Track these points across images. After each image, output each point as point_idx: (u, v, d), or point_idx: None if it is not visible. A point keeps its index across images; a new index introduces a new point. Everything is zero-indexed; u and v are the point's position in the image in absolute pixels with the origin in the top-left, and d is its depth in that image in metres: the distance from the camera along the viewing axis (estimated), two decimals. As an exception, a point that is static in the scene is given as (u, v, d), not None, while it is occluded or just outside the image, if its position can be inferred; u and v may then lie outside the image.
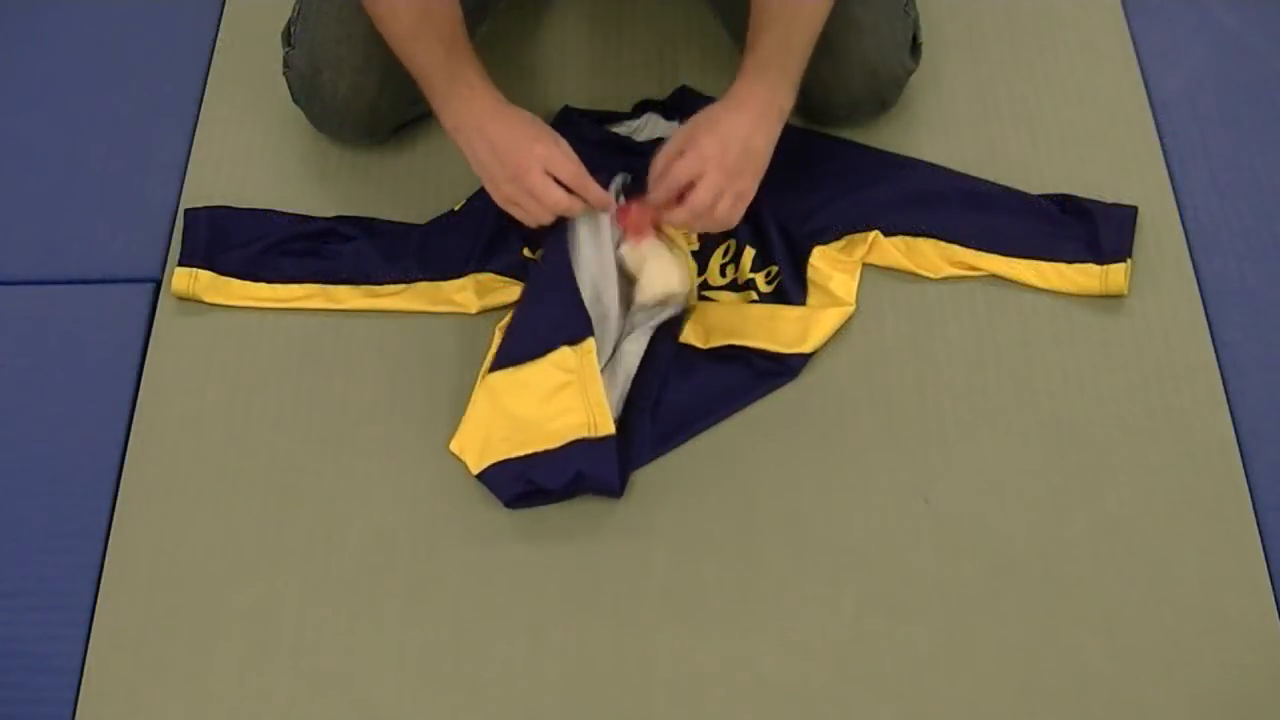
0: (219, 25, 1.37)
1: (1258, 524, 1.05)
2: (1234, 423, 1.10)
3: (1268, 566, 1.04)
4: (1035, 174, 1.23)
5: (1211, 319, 1.15)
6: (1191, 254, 1.19)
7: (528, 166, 1.06)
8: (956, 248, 1.17)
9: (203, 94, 1.32)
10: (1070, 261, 1.16)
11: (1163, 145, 1.26)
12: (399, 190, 1.25)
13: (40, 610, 1.04)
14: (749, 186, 1.07)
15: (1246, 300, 1.17)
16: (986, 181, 1.21)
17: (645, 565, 1.05)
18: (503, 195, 1.09)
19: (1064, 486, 1.08)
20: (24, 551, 1.07)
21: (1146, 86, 1.30)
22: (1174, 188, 1.23)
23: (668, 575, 1.04)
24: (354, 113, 1.20)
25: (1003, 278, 1.16)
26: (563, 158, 1.07)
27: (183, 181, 1.26)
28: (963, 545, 1.05)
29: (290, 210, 1.23)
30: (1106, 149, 1.25)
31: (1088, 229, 1.17)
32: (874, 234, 1.17)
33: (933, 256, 1.17)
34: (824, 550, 1.05)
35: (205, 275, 1.17)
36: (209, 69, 1.34)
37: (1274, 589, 1.03)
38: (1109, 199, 1.19)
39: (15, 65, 1.36)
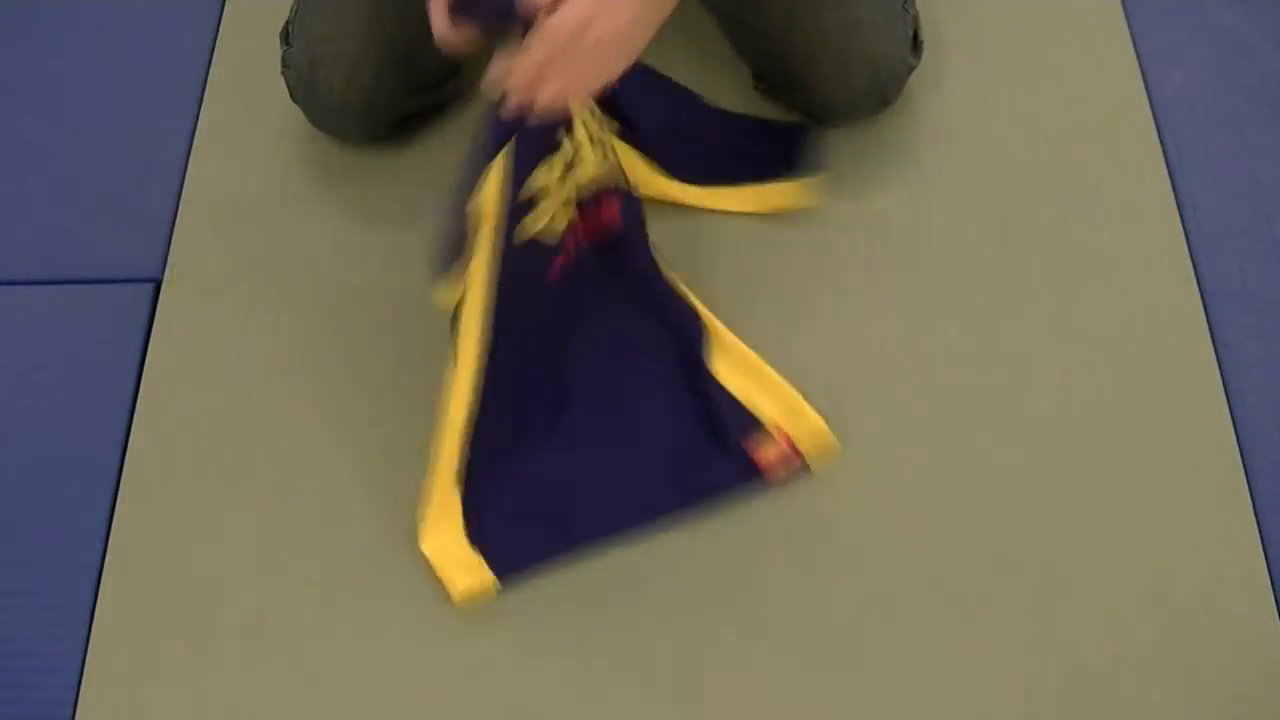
0: (219, 25, 1.38)
1: (1258, 524, 1.05)
2: (1234, 423, 1.10)
3: (1268, 566, 1.04)
4: (1035, 174, 1.23)
5: (1211, 319, 1.15)
6: (1191, 254, 1.19)
7: None
8: (661, 179, 1.20)
9: (203, 94, 1.32)
10: (766, 181, 1.20)
11: (1163, 145, 1.26)
12: (400, 190, 1.25)
13: (40, 610, 1.04)
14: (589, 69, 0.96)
15: (1246, 300, 1.17)
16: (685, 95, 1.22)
17: (645, 565, 1.05)
18: None
19: (1064, 486, 1.08)
20: (24, 551, 1.07)
21: (1146, 86, 1.30)
22: (1174, 188, 1.23)
23: (668, 575, 1.05)
24: (351, 108, 1.20)
25: (712, 210, 1.20)
26: None
27: (183, 181, 1.26)
28: (963, 545, 1.05)
29: (290, 209, 1.23)
30: (1106, 149, 1.26)
31: (776, 146, 1.22)
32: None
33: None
34: (824, 550, 1.05)
35: None
36: (209, 69, 1.34)
37: (1274, 589, 1.03)
38: (1109, 199, 1.20)
39: (15, 65, 1.36)
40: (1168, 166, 1.24)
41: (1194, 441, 1.09)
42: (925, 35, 1.24)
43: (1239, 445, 1.09)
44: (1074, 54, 1.33)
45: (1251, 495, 1.07)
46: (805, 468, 1.08)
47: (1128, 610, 1.02)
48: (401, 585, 1.04)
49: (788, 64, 1.19)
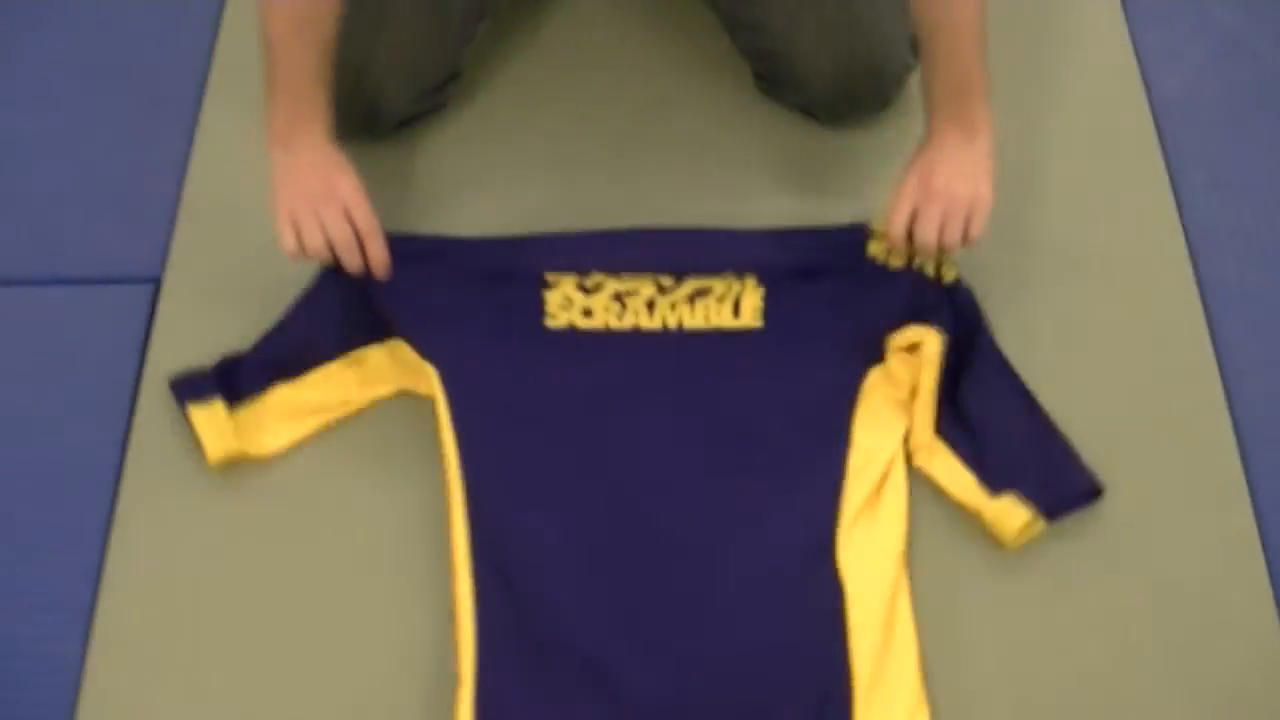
0: (219, 25, 1.38)
1: (1258, 524, 1.05)
2: (1234, 423, 1.10)
3: (1268, 566, 1.04)
4: (1035, 174, 1.23)
5: (1211, 319, 1.15)
6: (1191, 254, 1.19)
7: (332, 194, 1.04)
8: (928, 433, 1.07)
9: (203, 94, 1.32)
10: (1001, 493, 1.03)
11: (1163, 145, 1.26)
12: (400, 192, 1.24)
13: (40, 610, 1.04)
14: (972, 193, 1.04)
15: (1246, 300, 1.17)
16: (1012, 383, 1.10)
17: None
18: (289, 211, 1.04)
19: (1064, 486, 1.08)
20: (24, 551, 1.07)
21: (1146, 86, 1.30)
22: (1174, 188, 1.23)
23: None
24: (353, 113, 1.20)
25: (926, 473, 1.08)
26: (364, 203, 1.05)
27: (183, 181, 1.26)
28: (962, 544, 1.05)
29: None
30: (1106, 149, 1.26)
31: (1046, 471, 1.05)
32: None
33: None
34: (824, 550, 1.05)
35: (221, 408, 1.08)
36: (209, 69, 1.34)
37: (1274, 589, 1.03)
38: (1109, 199, 1.20)
39: (15, 64, 1.36)
40: (1168, 166, 1.24)
41: (1194, 441, 1.09)
42: (925, 35, 1.24)
43: (1239, 445, 1.09)
44: (1074, 54, 1.33)
45: (1251, 495, 1.07)
46: None
47: (1128, 610, 1.02)
48: (402, 587, 1.04)
49: (788, 62, 1.19)
